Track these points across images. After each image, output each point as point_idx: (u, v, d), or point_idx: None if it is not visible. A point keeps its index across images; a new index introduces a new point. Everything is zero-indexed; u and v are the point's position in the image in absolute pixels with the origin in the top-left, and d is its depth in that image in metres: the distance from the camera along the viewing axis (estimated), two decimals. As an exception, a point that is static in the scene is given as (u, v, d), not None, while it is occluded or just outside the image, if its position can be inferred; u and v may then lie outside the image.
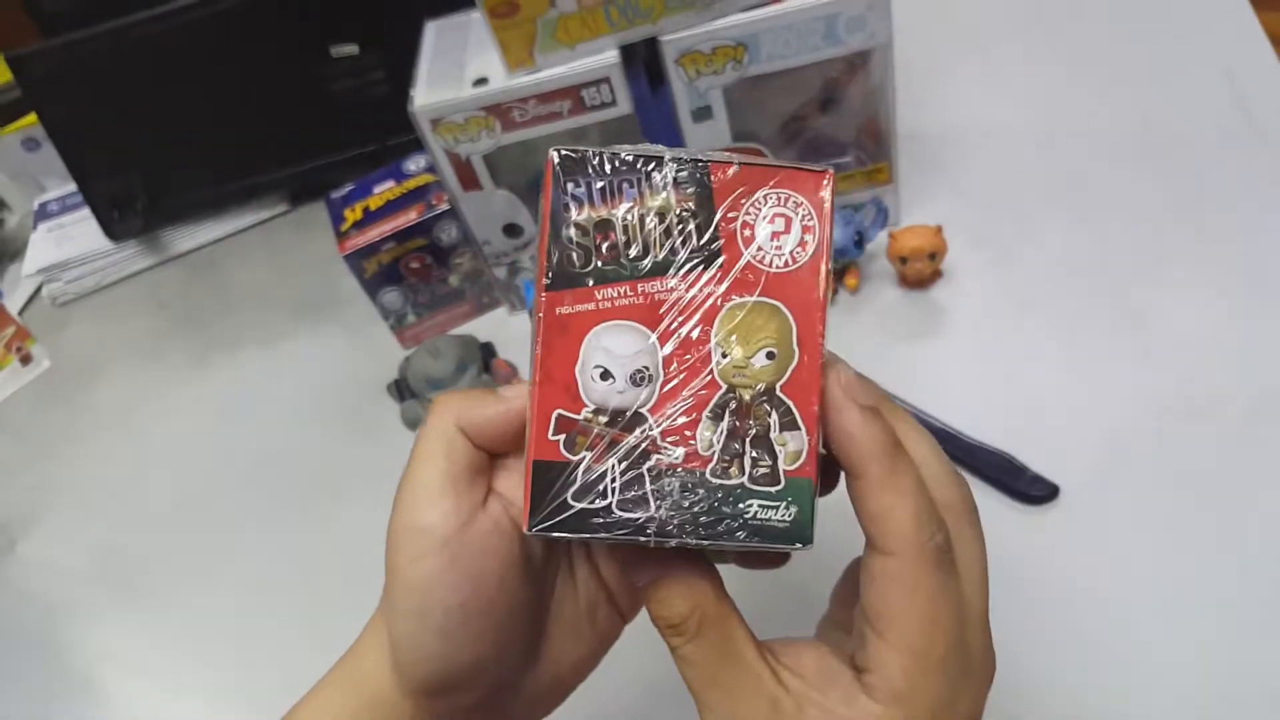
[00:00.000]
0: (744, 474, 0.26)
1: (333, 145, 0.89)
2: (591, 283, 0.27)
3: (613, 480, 0.26)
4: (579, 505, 0.26)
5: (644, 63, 0.65)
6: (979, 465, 0.54)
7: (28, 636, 0.66)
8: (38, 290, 0.99)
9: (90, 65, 0.84)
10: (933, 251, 0.63)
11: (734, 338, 0.26)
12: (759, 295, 0.27)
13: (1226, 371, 0.55)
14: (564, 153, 0.27)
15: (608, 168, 0.27)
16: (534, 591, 0.32)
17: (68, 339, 0.92)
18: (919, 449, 0.29)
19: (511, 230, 0.68)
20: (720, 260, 0.27)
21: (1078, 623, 0.48)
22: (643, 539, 0.26)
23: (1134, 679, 0.46)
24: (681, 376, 0.26)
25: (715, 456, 0.26)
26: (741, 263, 0.27)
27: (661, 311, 0.27)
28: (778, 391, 0.26)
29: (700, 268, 0.27)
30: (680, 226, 0.27)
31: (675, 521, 0.26)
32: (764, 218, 0.27)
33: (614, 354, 0.26)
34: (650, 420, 0.26)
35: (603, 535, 0.26)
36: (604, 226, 0.27)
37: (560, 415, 0.26)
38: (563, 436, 0.26)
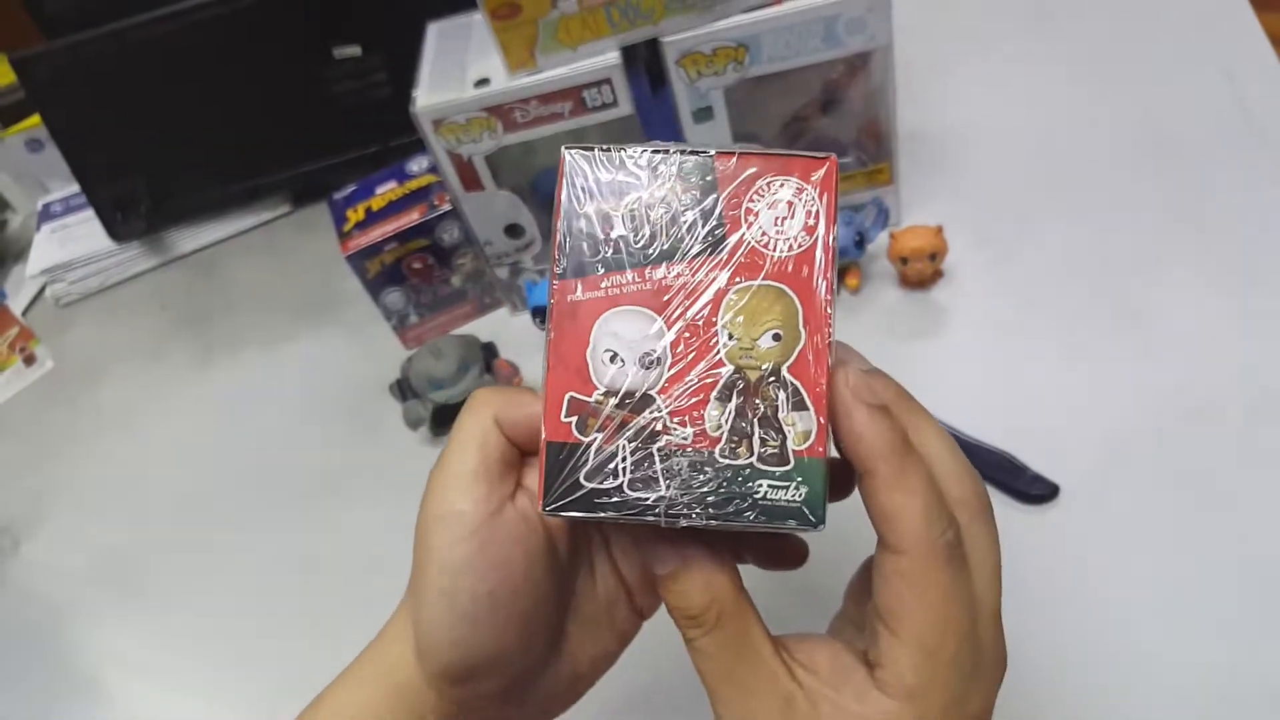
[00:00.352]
0: (752, 454, 0.27)
1: (335, 146, 0.89)
2: (601, 270, 0.27)
3: (623, 460, 0.27)
4: (590, 485, 0.27)
5: (645, 64, 0.65)
6: (979, 465, 0.53)
7: (31, 636, 0.67)
8: (41, 291, 0.99)
9: (94, 67, 0.85)
10: (933, 252, 0.63)
11: (740, 320, 0.27)
12: (764, 279, 0.27)
13: (1226, 371, 0.56)
14: (576, 150, 0.28)
15: (617, 161, 0.28)
16: (557, 586, 0.32)
17: (71, 340, 0.92)
18: (932, 445, 0.29)
19: (513, 231, 0.68)
20: (726, 246, 0.27)
21: (1077, 622, 0.48)
22: (651, 518, 0.26)
23: (1134, 679, 0.46)
24: (689, 359, 0.27)
25: (724, 437, 0.27)
26: (746, 248, 0.27)
27: (668, 297, 0.27)
28: (784, 372, 0.27)
29: (706, 253, 0.27)
30: (686, 214, 0.27)
31: (684, 500, 0.26)
32: (768, 204, 0.27)
33: (623, 338, 0.27)
34: (659, 401, 0.27)
35: (613, 515, 0.27)
36: (612, 217, 0.28)
37: (572, 398, 0.27)
38: (575, 418, 0.27)
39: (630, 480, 0.27)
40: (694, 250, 0.27)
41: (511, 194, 0.66)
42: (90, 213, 0.92)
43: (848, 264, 0.66)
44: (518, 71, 0.60)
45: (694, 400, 0.27)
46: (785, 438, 0.27)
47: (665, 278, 0.27)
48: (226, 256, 0.95)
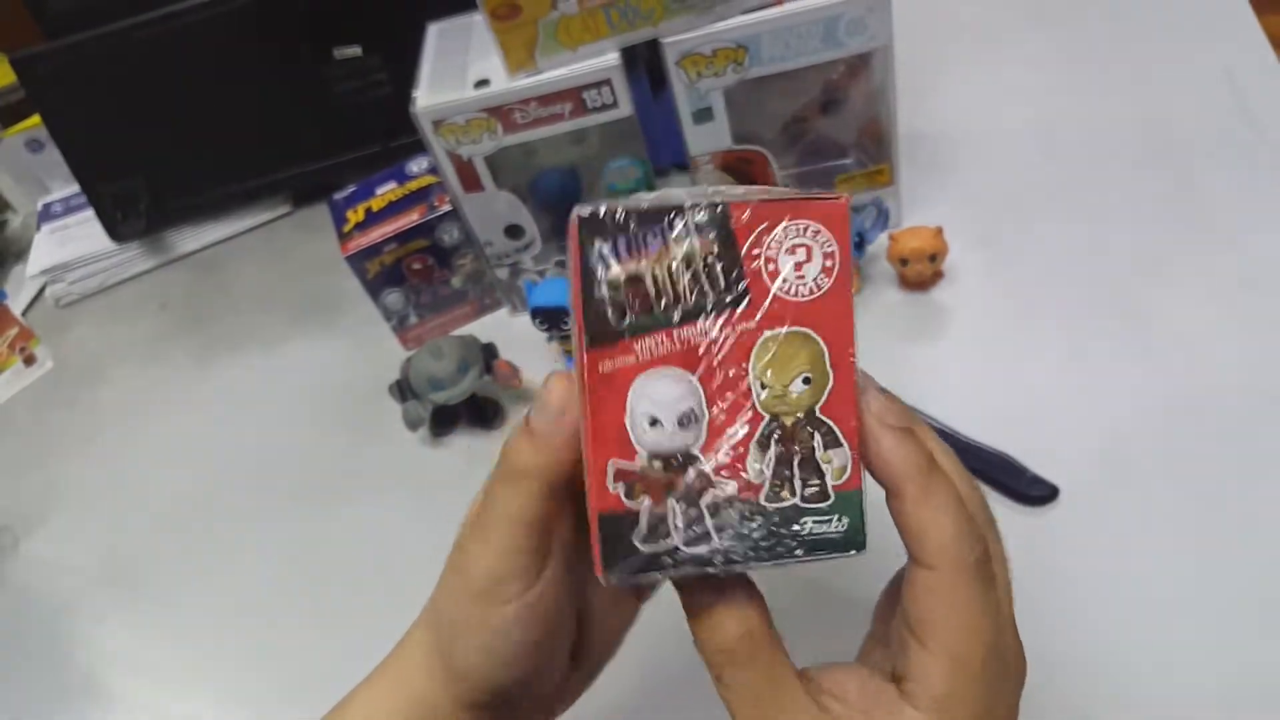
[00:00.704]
0: (795, 495, 0.28)
1: (335, 147, 0.89)
2: (628, 336, 0.28)
3: (675, 520, 0.27)
4: (648, 550, 0.27)
5: (645, 65, 0.65)
6: (979, 465, 0.54)
7: (31, 636, 0.67)
8: (41, 291, 0.99)
9: (94, 67, 0.85)
10: (933, 253, 0.63)
11: (770, 371, 0.28)
12: (789, 326, 0.28)
13: (1226, 371, 0.56)
14: (585, 213, 0.28)
15: (630, 223, 0.28)
16: (576, 602, 0.33)
17: (71, 340, 0.92)
18: (947, 464, 0.29)
19: (513, 231, 0.68)
20: (749, 297, 0.28)
21: (1077, 624, 0.48)
22: (711, 570, 0.27)
23: (1134, 679, 0.46)
24: (726, 413, 0.28)
25: (767, 483, 0.27)
26: (770, 298, 0.28)
27: (699, 354, 0.28)
28: (817, 413, 0.28)
29: (731, 307, 0.28)
30: (707, 271, 0.28)
31: (739, 550, 0.27)
32: (786, 249, 0.28)
33: (659, 401, 0.27)
34: (702, 459, 0.27)
35: (673, 572, 0.27)
36: (634, 281, 0.28)
37: (617, 466, 0.27)
38: (621, 486, 0.27)
39: (685, 538, 0.27)
40: (719, 305, 0.28)
41: (511, 195, 0.66)
42: (90, 213, 0.92)
43: (847, 265, 0.66)
44: (518, 72, 0.60)
45: (736, 453, 0.27)
46: (824, 475, 0.28)
47: (693, 336, 0.28)
48: (226, 257, 0.95)
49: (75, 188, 0.94)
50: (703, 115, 0.62)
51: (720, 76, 0.60)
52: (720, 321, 0.28)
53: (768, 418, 0.27)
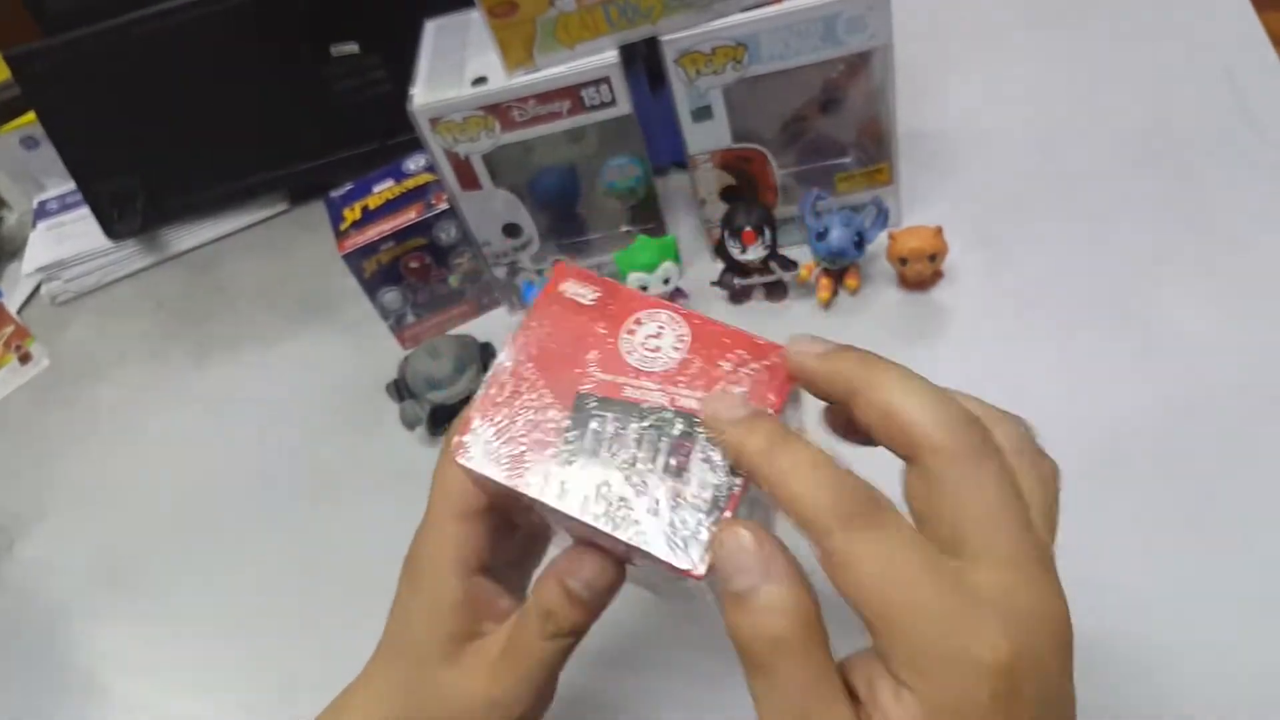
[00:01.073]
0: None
1: (332, 144, 0.89)
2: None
3: None
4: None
5: (644, 62, 0.65)
6: None
7: (26, 636, 0.66)
8: (37, 289, 0.98)
9: (90, 63, 0.84)
10: (933, 253, 0.63)
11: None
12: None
13: (1226, 371, 0.55)
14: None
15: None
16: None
17: (67, 338, 0.92)
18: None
19: (511, 230, 0.68)
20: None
21: (1076, 623, 0.48)
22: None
23: (1134, 680, 0.45)
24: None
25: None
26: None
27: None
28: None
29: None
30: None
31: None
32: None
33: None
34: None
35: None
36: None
37: None
38: None
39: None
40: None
41: (509, 193, 0.66)
42: (86, 210, 0.92)
43: (847, 265, 0.66)
44: (516, 70, 0.59)
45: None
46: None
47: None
48: (223, 255, 0.95)
49: (71, 185, 0.94)
50: (702, 113, 0.62)
51: (719, 74, 0.60)
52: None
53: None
